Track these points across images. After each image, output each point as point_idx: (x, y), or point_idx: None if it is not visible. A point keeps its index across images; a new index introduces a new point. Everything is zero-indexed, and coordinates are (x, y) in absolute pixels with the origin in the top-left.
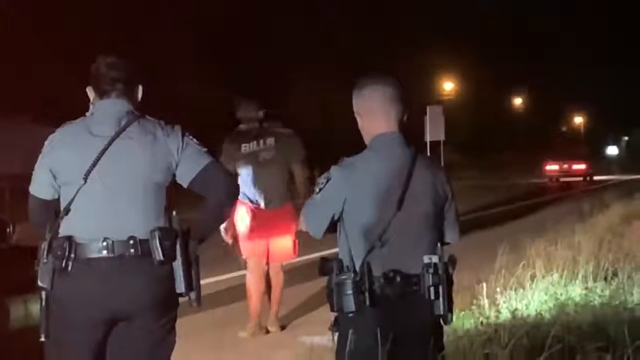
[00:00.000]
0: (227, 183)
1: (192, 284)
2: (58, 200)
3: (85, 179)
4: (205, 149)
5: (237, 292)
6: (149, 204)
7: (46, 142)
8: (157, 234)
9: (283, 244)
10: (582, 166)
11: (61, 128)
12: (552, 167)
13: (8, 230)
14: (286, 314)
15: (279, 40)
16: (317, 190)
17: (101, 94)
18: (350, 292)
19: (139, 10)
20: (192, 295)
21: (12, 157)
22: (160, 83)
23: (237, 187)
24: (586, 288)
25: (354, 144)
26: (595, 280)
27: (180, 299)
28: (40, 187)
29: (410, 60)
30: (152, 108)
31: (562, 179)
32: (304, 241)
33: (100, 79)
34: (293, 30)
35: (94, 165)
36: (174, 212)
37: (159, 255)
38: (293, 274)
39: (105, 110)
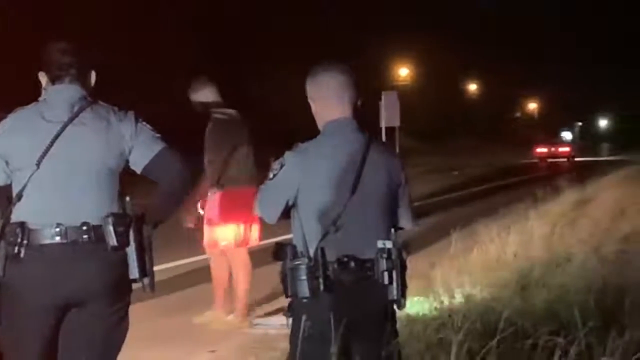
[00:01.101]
0: (181, 169)
1: (145, 269)
2: (10, 186)
3: (38, 165)
4: (158, 135)
5: (191, 278)
6: (102, 189)
7: None
8: (110, 219)
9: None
10: (567, 149)
11: (13, 113)
12: (541, 150)
13: None
14: None
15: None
16: (271, 175)
17: (53, 79)
18: (304, 277)
19: (138, 10)
20: (146, 280)
21: None
22: (158, 81)
23: (190, 173)
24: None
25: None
26: (547, 266)
27: (134, 285)
28: None
29: (365, 46)
30: (150, 105)
31: (549, 160)
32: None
33: (52, 64)
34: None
35: (46, 151)
36: (127, 198)
37: (112, 241)
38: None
39: (58, 96)
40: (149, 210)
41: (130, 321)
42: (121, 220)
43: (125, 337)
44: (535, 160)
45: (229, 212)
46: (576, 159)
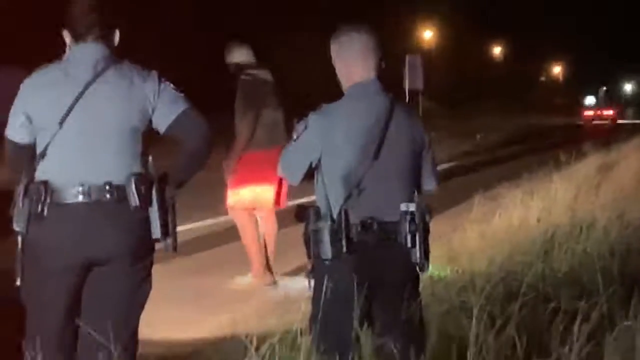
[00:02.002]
0: (204, 129)
1: (167, 229)
2: (34, 144)
3: (61, 124)
4: (182, 95)
5: (215, 239)
6: (125, 149)
7: (21, 86)
8: (133, 179)
9: (271, 190)
10: (611, 112)
11: (37, 71)
12: (588, 113)
13: None
14: None
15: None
16: (295, 137)
17: (77, 37)
18: (327, 239)
19: None
20: (168, 241)
21: None
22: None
23: (211, 133)
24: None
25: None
26: (570, 231)
27: (156, 245)
28: (16, 131)
29: (390, 8)
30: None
31: (595, 122)
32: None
33: (76, 22)
34: None
35: (70, 110)
36: (150, 158)
37: (135, 200)
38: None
39: (82, 54)
40: (171, 170)
41: (153, 280)
42: (144, 180)
43: (147, 296)
44: (581, 123)
45: (245, 174)
46: (618, 122)
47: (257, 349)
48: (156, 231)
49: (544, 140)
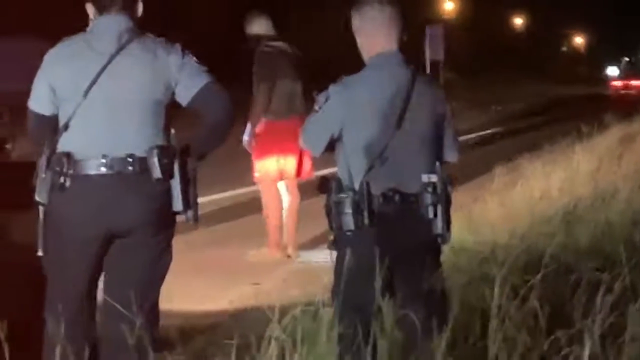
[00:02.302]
0: (226, 103)
1: (189, 202)
2: (57, 116)
3: (85, 95)
4: (205, 68)
5: (236, 210)
6: (148, 121)
7: (45, 57)
8: (155, 151)
9: (293, 161)
10: (639, 83)
11: (61, 43)
12: (616, 83)
13: (8, 146)
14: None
15: None
16: (317, 108)
17: (101, 9)
18: (349, 210)
19: None
20: (189, 213)
21: (13, 72)
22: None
23: (232, 106)
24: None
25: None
26: (592, 201)
27: (178, 218)
28: (39, 102)
29: None
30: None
31: (622, 92)
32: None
33: None
34: None
35: (93, 82)
36: (172, 130)
37: (157, 172)
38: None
39: (106, 27)
40: (193, 143)
41: (173, 253)
42: (166, 152)
43: (168, 268)
44: (608, 93)
45: (267, 145)
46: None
47: (279, 320)
48: (177, 203)
49: (566, 110)
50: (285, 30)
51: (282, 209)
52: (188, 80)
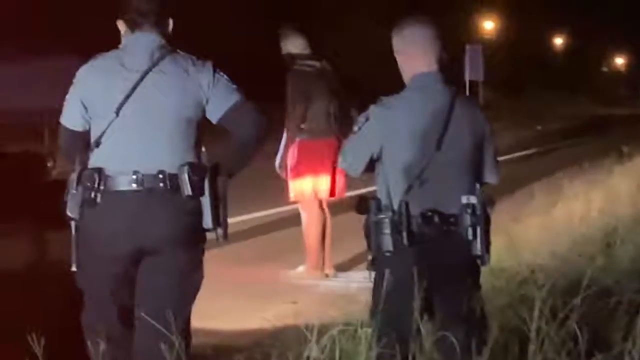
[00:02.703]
0: (257, 120)
1: (219, 219)
2: (88, 132)
3: (117, 113)
4: (235, 86)
5: (272, 229)
6: (179, 138)
7: (78, 73)
8: (186, 168)
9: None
10: None
11: (93, 60)
12: None
13: (48, 164)
14: None
15: None
16: (356, 129)
17: (133, 27)
18: (388, 231)
19: None
20: (219, 230)
21: (53, 91)
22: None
23: (266, 124)
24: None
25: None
26: (632, 223)
27: (210, 235)
28: (71, 118)
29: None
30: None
31: None
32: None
33: (131, 11)
34: None
35: (126, 99)
36: (203, 148)
37: (187, 189)
38: (332, 211)
39: (138, 43)
40: (223, 160)
41: (208, 271)
42: (196, 169)
43: (199, 285)
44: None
45: (301, 165)
46: None
47: (317, 340)
48: (207, 220)
49: (606, 131)
50: (321, 48)
51: (322, 228)
52: (218, 98)
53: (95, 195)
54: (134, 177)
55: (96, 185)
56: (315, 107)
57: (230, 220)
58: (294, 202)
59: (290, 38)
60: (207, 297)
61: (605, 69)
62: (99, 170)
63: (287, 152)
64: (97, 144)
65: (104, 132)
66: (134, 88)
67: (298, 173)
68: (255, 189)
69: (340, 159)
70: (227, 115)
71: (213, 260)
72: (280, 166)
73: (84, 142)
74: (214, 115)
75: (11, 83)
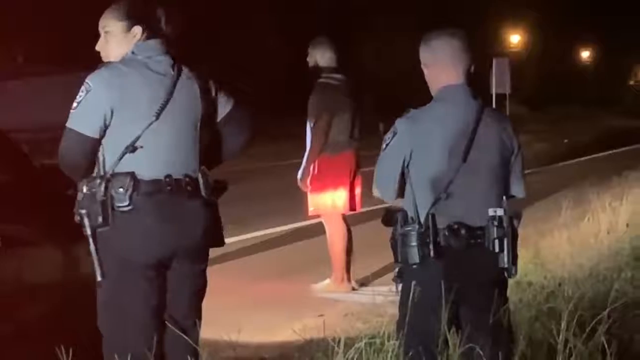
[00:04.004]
0: (253, 120)
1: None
2: (100, 139)
3: (157, 116)
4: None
5: (296, 243)
6: (196, 143)
7: (96, 80)
8: (204, 171)
9: (345, 194)
10: None
11: (111, 67)
12: None
13: None
14: None
15: None
16: (384, 146)
17: (150, 34)
18: (414, 243)
19: None
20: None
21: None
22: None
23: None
24: None
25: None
26: None
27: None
28: (86, 123)
29: (476, 12)
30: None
31: None
32: (366, 191)
33: (152, 20)
34: None
35: (165, 103)
36: None
37: (206, 192)
38: (354, 224)
39: (161, 50)
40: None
41: (236, 285)
42: (207, 172)
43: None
44: None
45: (323, 180)
46: None
47: (344, 352)
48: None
49: (634, 144)
50: (350, 60)
51: (346, 241)
52: (222, 100)
53: (130, 201)
54: (167, 180)
55: (130, 190)
56: (338, 121)
57: (255, 234)
58: (313, 217)
59: (319, 49)
60: (236, 310)
61: (632, 82)
62: (132, 175)
63: (309, 166)
64: (133, 148)
65: (138, 137)
66: (170, 92)
67: (319, 188)
68: (282, 202)
69: (373, 187)
70: (229, 116)
71: (240, 274)
72: (301, 179)
73: (94, 150)
74: (219, 115)
75: (35, 98)
